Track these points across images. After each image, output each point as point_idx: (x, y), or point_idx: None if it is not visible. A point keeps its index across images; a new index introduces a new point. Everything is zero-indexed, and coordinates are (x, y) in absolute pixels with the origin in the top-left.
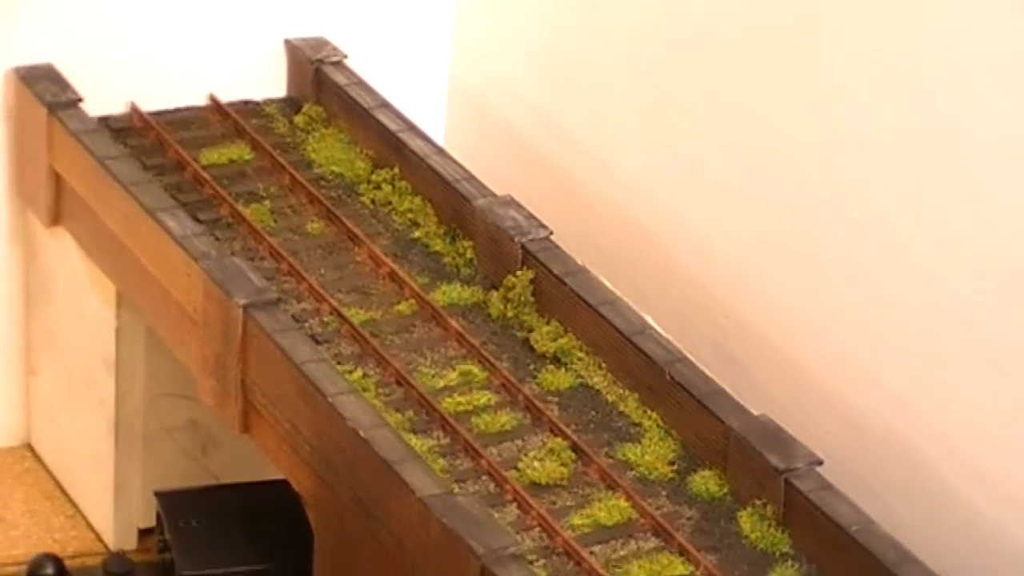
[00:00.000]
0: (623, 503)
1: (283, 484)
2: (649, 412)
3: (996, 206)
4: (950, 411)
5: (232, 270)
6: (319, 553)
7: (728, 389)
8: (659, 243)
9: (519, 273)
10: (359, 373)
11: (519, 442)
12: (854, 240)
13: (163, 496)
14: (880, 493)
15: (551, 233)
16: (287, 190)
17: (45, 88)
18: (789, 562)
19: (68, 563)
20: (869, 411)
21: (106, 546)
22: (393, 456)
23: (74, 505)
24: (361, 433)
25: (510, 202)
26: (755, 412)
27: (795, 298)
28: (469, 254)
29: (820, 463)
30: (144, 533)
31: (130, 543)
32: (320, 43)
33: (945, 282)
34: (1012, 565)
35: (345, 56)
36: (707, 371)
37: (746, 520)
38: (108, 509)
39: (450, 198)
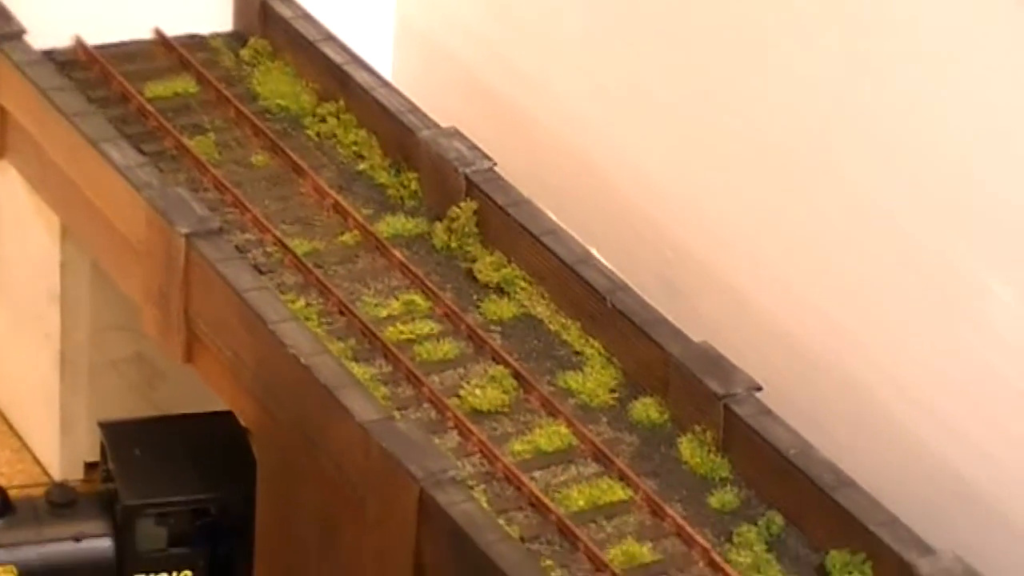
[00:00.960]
0: (564, 429)
1: (228, 415)
2: (591, 340)
3: (937, 134)
4: (891, 339)
5: (174, 200)
6: (262, 481)
7: (672, 319)
8: (605, 175)
9: (463, 204)
10: (302, 302)
11: (461, 370)
12: (799, 172)
13: (107, 427)
14: (821, 421)
15: (495, 164)
16: (232, 123)
17: None
18: (728, 486)
19: (12, 494)
20: (811, 340)
21: (52, 479)
22: (333, 382)
23: (20, 439)
24: (302, 360)
25: (454, 134)
26: (696, 340)
27: (739, 229)
28: (414, 186)
29: (759, 389)
30: (91, 466)
31: (76, 476)
32: None
33: (889, 213)
34: (951, 491)
35: None
36: (651, 301)
37: (686, 446)
38: (54, 442)
39: (395, 130)
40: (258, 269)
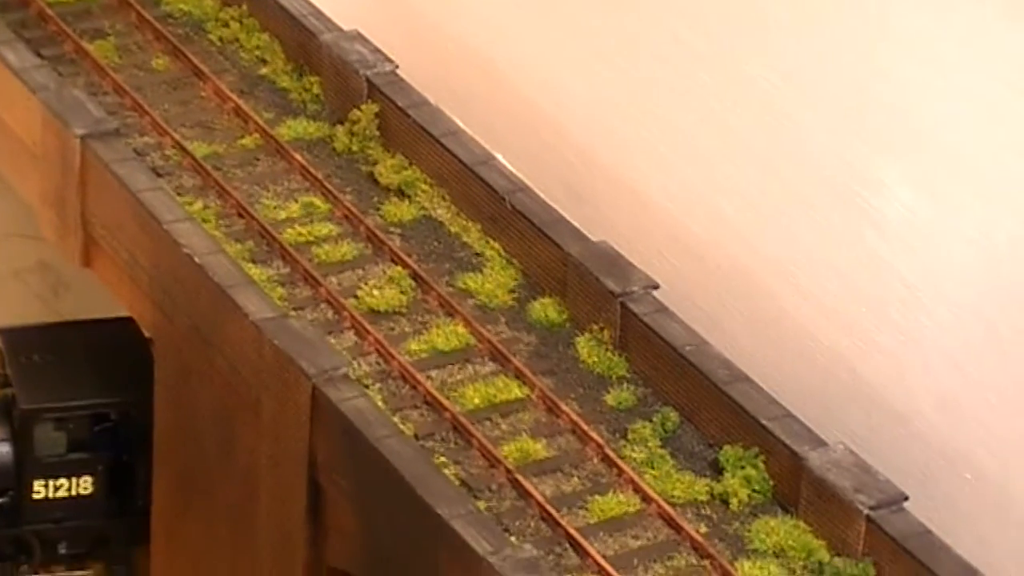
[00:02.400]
0: (461, 329)
1: (129, 321)
2: (491, 242)
3: (835, 36)
4: (787, 237)
5: (70, 101)
6: (160, 384)
7: (577, 225)
8: (509, 81)
9: (364, 107)
10: (200, 205)
11: (359, 271)
12: (700, 77)
13: (5, 332)
14: (718, 319)
15: (397, 67)
16: (133, 27)
17: None
18: (624, 384)
19: None
20: (712, 243)
21: None
22: (228, 281)
23: None
24: (196, 259)
25: (356, 37)
26: (594, 239)
27: (643, 135)
28: (315, 89)
29: (656, 287)
30: None
31: None
32: None
33: (787, 115)
34: (845, 385)
35: None
36: (555, 206)
37: (584, 345)
38: None
39: (297, 34)
40: (156, 172)
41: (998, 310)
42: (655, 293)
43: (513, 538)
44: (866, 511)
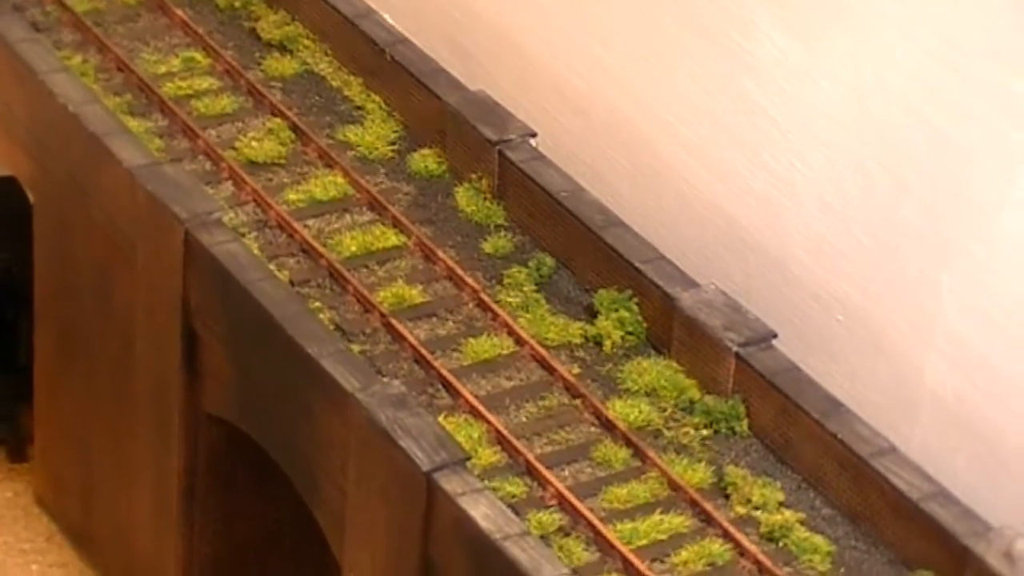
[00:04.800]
0: (340, 180)
1: (11, 181)
2: (372, 95)
3: None
4: (662, 82)
5: None
6: (38, 239)
7: (464, 82)
8: None
9: None
10: (79, 59)
11: (239, 124)
12: None
13: None
14: (596, 167)
15: None
16: None
17: None
18: (502, 232)
19: None
20: (593, 95)
21: None
22: (102, 130)
23: None
24: (70, 108)
25: None
26: (472, 88)
27: None
28: None
29: (534, 135)
30: None
31: None
32: None
33: None
34: (721, 231)
35: None
36: (440, 62)
37: (462, 194)
38: None
39: None
40: (35, 27)
41: (867, 149)
42: (532, 141)
43: (386, 379)
44: (735, 348)
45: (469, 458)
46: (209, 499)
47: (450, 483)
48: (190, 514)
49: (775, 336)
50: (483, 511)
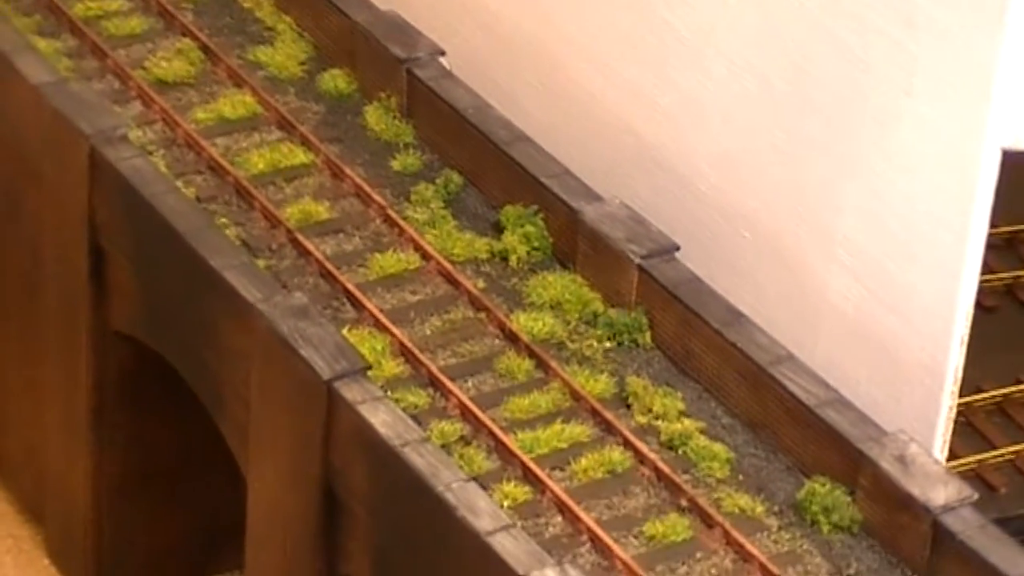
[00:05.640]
0: (249, 99)
1: None
2: (283, 16)
3: None
4: (576, 8)
5: None
6: None
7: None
8: None
9: None
10: None
11: (149, 44)
12: None
13: None
14: (513, 92)
15: None
16: None
17: None
18: (411, 150)
19: None
20: (503, 14)
21: None
22: (8, 47)
23: None
24: None
25: None
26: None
27: None
28: None
29: (442, 53)
30: None
31: None
32: None
33: None
34: (628, 148)
35: None
36: None
37: (372, 113)
38: None
39: None
40: None
41: (771, 64)
42: (441, 60)
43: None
44: (638, 260)
45: (369, 367)
46: (118, 417)
47: (350, 391)
48: (99, 433)
49: (678, 248)
50: (382, 418)
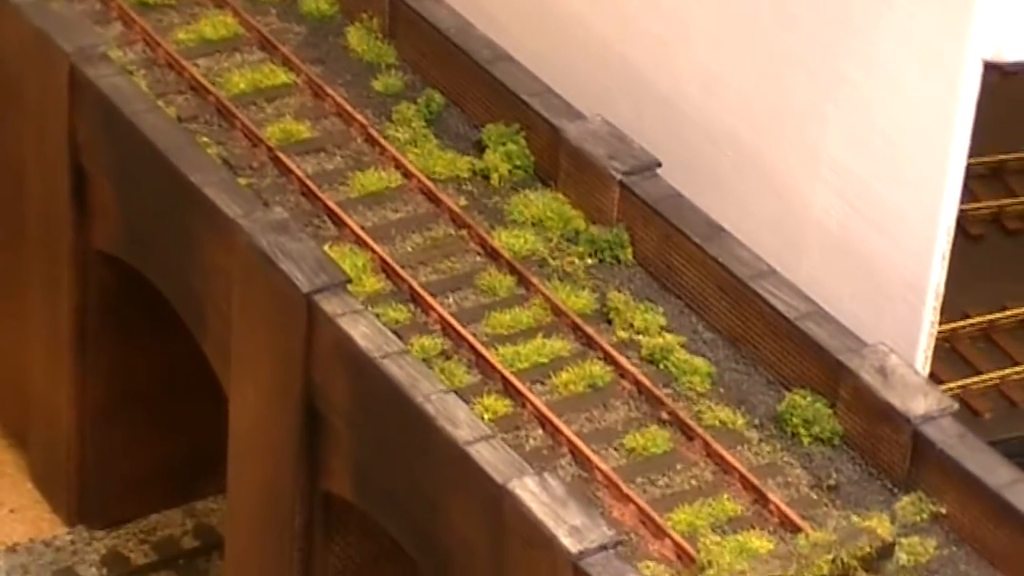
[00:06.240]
0: (230, 20)
1: None
2: None
3: None
4: None
5: None
6: None
7: None
8: None
9: None
10: None
11: None
12: None
13: None
14: (496, 15)
15: None
16: None
17: None
18: (393, 71)
19: None
20: None
21: None
22: None
23: None
24: None
25: None
26: None
27: None
28: None
29: None
30: None
31: None
32: None
33: None
34: (615, 73)
35: None
36: None
37: (353, 34)
38: None
39: None
40: None
41: None
42: None
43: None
44: (619, 177)
45: (349, 280)
46: (101, 340)
47: (330, 304)
48: (82, 356)
49: (659, 165)
50: (362, 331)
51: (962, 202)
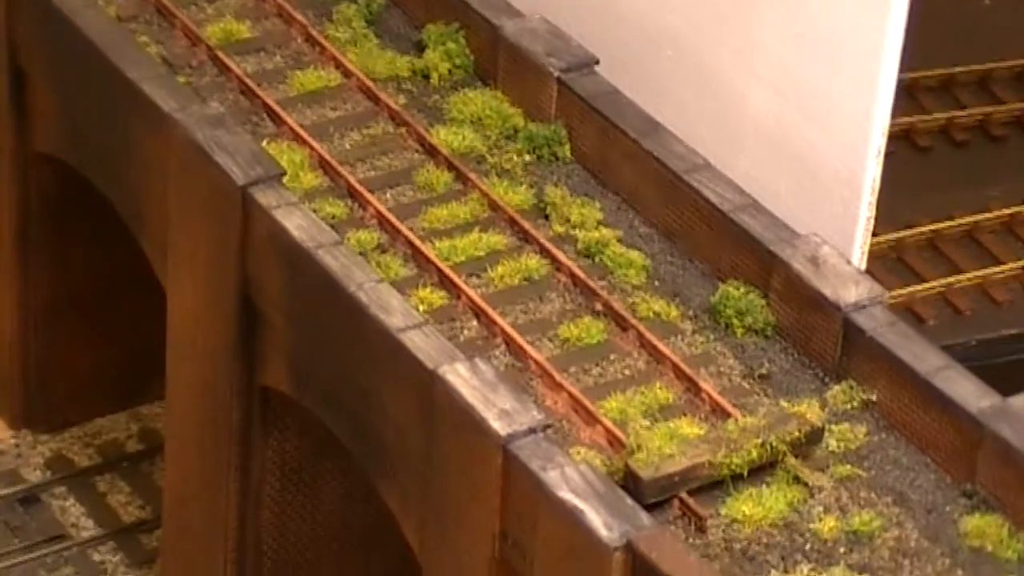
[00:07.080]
0: None
1: None
2: None
3: None
4: None
5: None
6: None
7: None
8: None
9: None
10: None
11: None
12: None
13: None
14: None
15: None
16: None
17: None
18: None
19: None
20: None
21: None
22: None
23: None
24: None
25: None
26: None
27: None
28: None
29: None
30: None
31: None
32: None
33: None
34: None
35: None
36: None
37: None
38: None
39: None
40: None
41: None
42: None
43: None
44: (557, 74)
45: (284, 173)
46: (43, 242)
47: (265, 197)
48: (24, 258)
49: (597, 62)
50: (297, 222)
51: (911, 114)
